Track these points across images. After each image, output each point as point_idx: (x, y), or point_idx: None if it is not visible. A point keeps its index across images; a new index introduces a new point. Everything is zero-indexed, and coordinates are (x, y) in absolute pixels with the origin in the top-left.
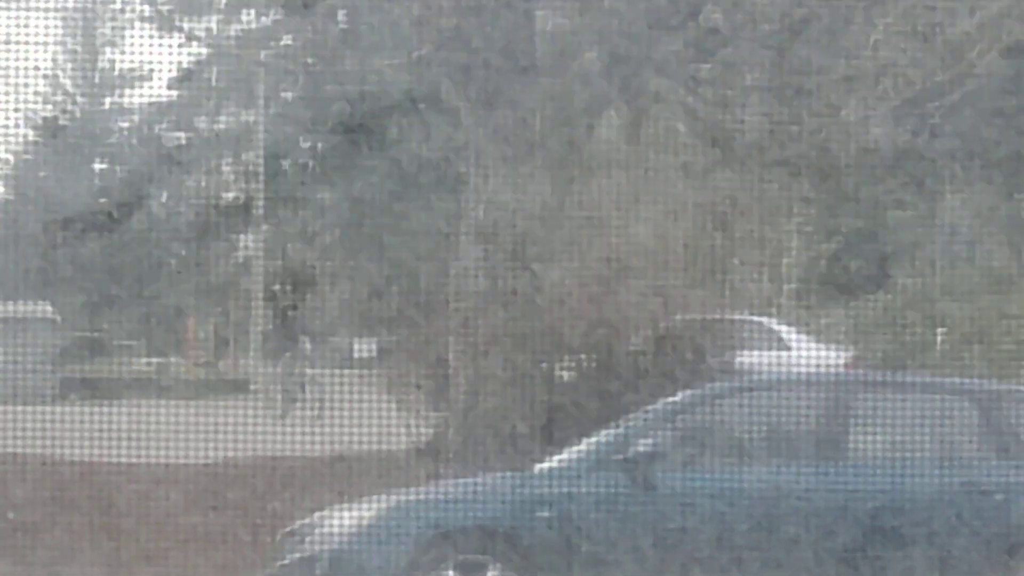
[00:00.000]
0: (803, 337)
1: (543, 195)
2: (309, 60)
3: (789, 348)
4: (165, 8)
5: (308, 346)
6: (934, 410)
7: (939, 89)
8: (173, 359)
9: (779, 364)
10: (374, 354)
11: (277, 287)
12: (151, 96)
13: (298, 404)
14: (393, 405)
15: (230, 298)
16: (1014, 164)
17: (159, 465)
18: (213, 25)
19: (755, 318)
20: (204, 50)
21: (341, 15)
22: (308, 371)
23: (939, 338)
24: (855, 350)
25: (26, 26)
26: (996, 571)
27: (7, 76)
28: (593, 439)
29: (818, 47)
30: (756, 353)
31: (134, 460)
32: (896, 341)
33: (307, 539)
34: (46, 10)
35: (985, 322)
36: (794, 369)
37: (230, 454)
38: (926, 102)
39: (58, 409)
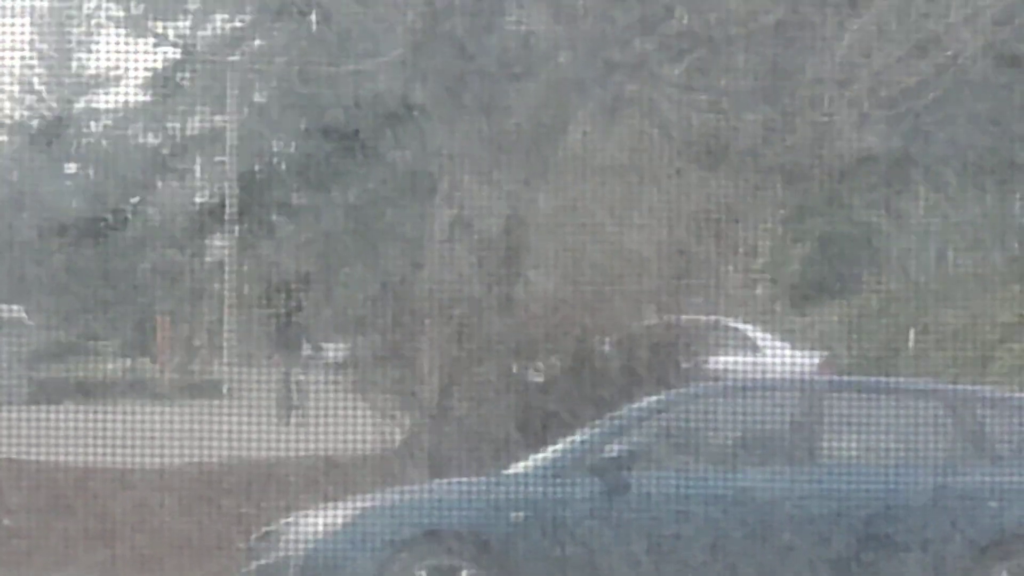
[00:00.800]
0: (775, 340)
1: (516, 199)
2: (281, 63)
3: (761, 351)
4: (137, 11)
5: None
6: (907, 413)
7: (917, 92)
8: (145, 362)
9: (751, 368)
10: (344, 358)
11: (246, 290)
12: (123, 99)
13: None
14: (366, 409)
15: (203, 301)
16: (991, 168)
17: (132, 468)
18: (185, 28)
19: (727, 321)
20: (176, 53)
21: (313, 18)
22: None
23: (911, 342)
24: (827, 354)
25: None
26: (969, 574)
27: None
28: (566, 442)
29: (793, 49)
30: (727, 356)
31: (106, 463)
32: (868, 345)
33: (281, 542)
34: (17, 13)
35: (958, 326)
36: (766, 373)
37: (203, 457)
38: (904, 105)
39: (29, 411)
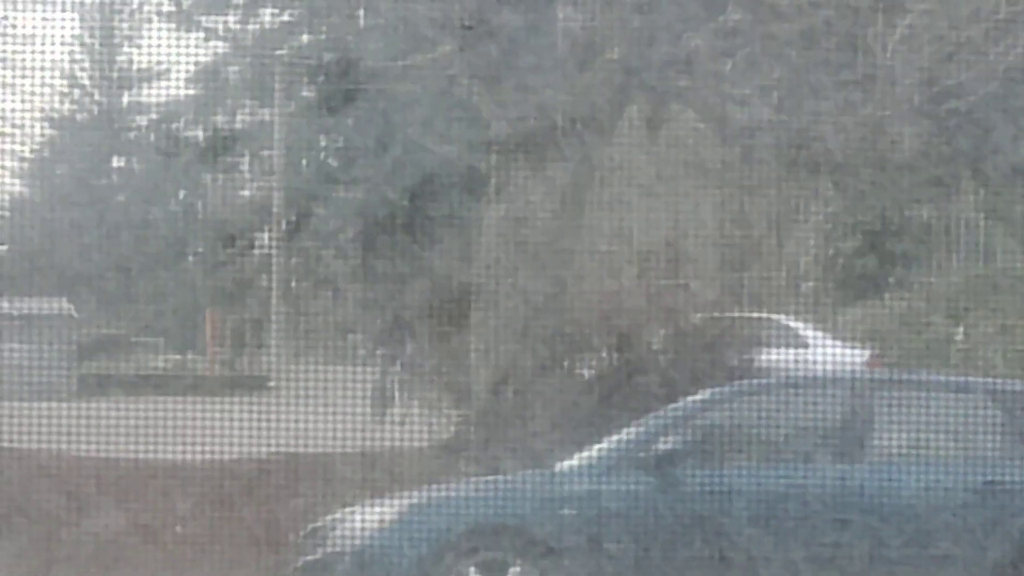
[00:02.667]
0: (822, 335)
1: (564, 193)
2: (327, 58)
3: (808, 346)
4: (185, 5)
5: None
6: (955, 409)
7: (967, 89)
8: (192, 356)
9: (798, 363)
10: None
11: (294, 284)
12: (169, 93)
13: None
14: (414, 403)
15: (249, 296)
16: None
17: (178, 462)
18: (231, 22)
19: (774, 316)
20: (223, 47)
21: (360, 13)
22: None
23: (959, 337)
24: (875, 349)
25: (44, 23)
26: (1019, 572)
27: (26, 73)
28: (615, 438)
29: (838, 46)
30: (775, 351)
31: (152, 456)
32: (917, 341)
33: (329, 537)
34: (64, 7)
35: (1005, 322)
36: (813, 368)
37: (250, 451)
38: (953, 102)
39: (76, 405)
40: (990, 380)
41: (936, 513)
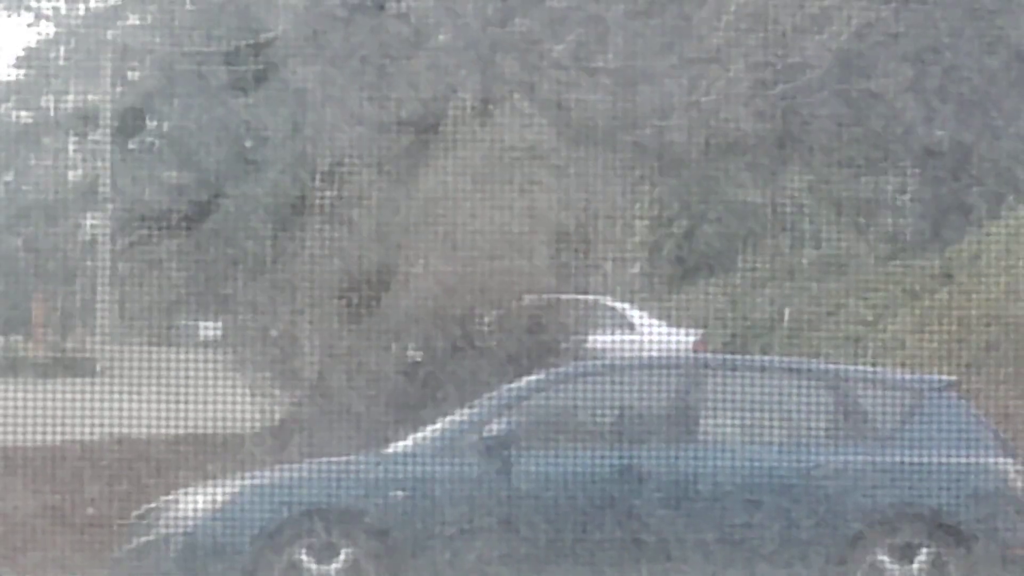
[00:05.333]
0: (651, 319)
1: (395, 176)
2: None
3: (636, 329)
4: None
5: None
6: (781, 392)
7: (793, 73)
8: (18, 338)
9: (626, 345)
10: (220, 336)
11: (121, 267)
12: None
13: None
14: (243, 387)
15: (76, 278)
16: (859, 148)
17: (5, 444)
18: (61, 5)
19: (603, 299)
20: (52, 29)
21: None
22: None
23: (786, 320)
24: (701, 332)
25: None
26: (847, 553)
27: None
28: (445, 421)
29: (667, 30)
30: (604, 334)
31: None
32: (743, 324)
33: (159, 520)
34: None
35: (832, 305)
36: (641, 350)
37: (79, 435)
38: (780, 86)
39: None
40: (816, 362)
41: (762, 495)
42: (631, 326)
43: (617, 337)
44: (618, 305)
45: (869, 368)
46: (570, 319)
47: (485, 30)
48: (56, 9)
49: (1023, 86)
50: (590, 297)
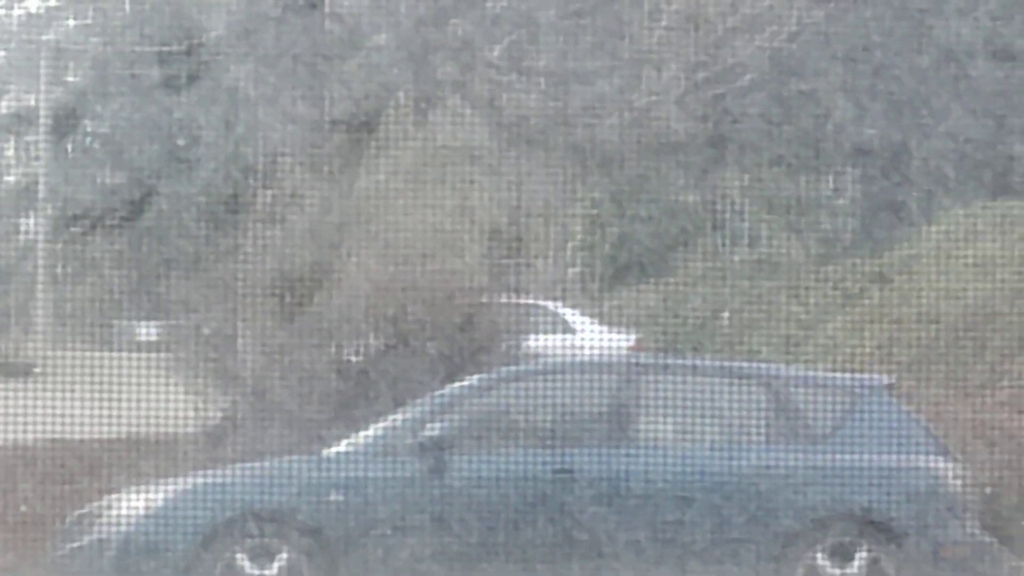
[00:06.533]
0: (588, 321)
1: (329, 176)
2: (95, 42)
3: (575, 332)
4: None
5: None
6: (716, 392)
7: (732, 74)
8: None
9: (565, 348)
10: (157, 337)
11: (59, 270)
12: None
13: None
14: (180, 389)
15: (13, 281)
16: (793, 149)
17: None
18: None
19: (541, 302)
20: None
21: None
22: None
23: (724, 322)
24: (639, 334)
25: None
26: (784, 554)
27: None
28: (383, 423)
29: (601, 31)
30: (543, 337)
31: None
32: (681, 325)
33: (95, 524)
34: None
35: (765, 305)
36: (579, 353)
37: (15, 437)
38: (718, 87)
39: None
40: (753, 364)
41: (700, 496)
42: (571, 329)
43: (557, 340)
44: (558, 308)
45: (804, 369)
46: (508, 321)
47: (420, 30)
48: None
49: (954, 86)
50: (530, 300)
